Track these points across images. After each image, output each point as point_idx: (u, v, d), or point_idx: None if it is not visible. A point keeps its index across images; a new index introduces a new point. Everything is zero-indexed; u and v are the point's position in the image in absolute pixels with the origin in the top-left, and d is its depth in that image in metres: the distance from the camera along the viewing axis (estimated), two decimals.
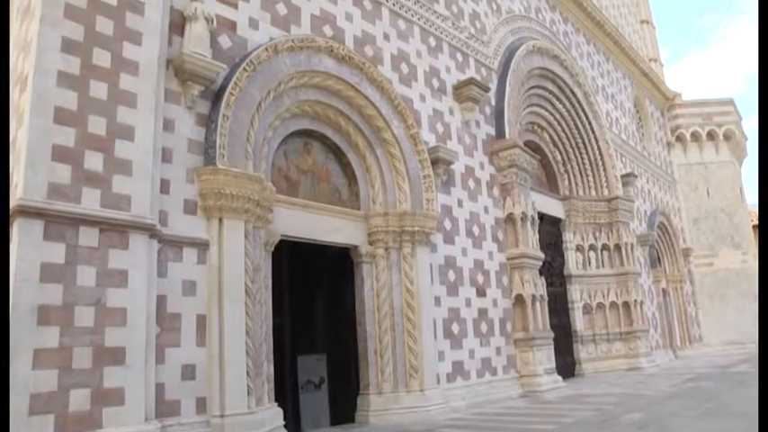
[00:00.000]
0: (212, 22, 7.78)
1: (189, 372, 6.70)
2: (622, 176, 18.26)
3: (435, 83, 12.06)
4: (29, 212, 5.38)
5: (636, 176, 19.71)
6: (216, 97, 7.66)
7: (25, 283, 5.23)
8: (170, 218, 6.90)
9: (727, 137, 26.69)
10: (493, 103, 13.74)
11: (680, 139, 26.61)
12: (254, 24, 8.65)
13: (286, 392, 9.16)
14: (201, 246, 7.13)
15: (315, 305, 10.65)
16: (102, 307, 5.74)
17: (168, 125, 7.10)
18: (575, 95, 17.09)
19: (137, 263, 6.09)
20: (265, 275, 7.98)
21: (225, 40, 8.15)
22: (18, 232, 5.29)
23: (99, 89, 6.22)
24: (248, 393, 7.09)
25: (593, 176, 17.67)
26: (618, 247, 17.11)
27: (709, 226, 25.90)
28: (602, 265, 17.06)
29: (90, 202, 5.87)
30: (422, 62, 11.84)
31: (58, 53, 5.97)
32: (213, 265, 7.15)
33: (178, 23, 7.51)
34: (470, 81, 12.51)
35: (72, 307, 5.52)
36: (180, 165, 7.15)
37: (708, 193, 26.22)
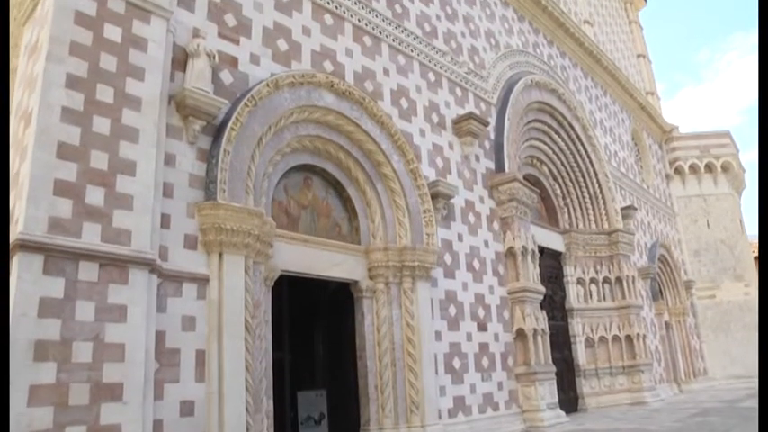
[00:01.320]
0: (214, 57, 7.88)
1: (187, 408, 6.61)
2: (622, 209, 18.29)
3: (435, 117, 12.17)
4: (29, 247, 5.36)
5: (636, 209, 19.74)
6: (217, 132, 7.72)
7: (23, 317, 5.19)
8: (170, 252, 6.89)
9: (725, 169, 26.84)
10: (492, 137, 13.85)
11: (678, 171, 26.75)
12: (255, 60, 8.77)
13: (286, 428, 9.04)
14: (201, 281, 7.11)
15: (315, 340, 10.58)
16: (101, 342, 5.69)
17: (170, 160, 7.15)
18: (573, 129, 17.22)
19: (136, 298, 6.06)
20: (265, 310, 7.93)
21: (226, 76, 8.26)
22: (17, 266, 5.28)
23: (102, 124, 6.27)
24: (247, 430, 6.99)
25: (593, 209, 17.70)
26: (619, 279, 17.04)
27: (711, 258, 25.86)
28: (604, 299, 16.97)
29: (90, 237, 5.87)
30: (421, 97, 11.97)
31: (62, 89, 6.04)
32: (213, 300, 7.11)
33: (180, 59, 7.61)
34: (470, 116, 12.62)
35: (70, 342, 5.47)
36: (181, 199, 7.18)
37: (708, 225, 26.25)
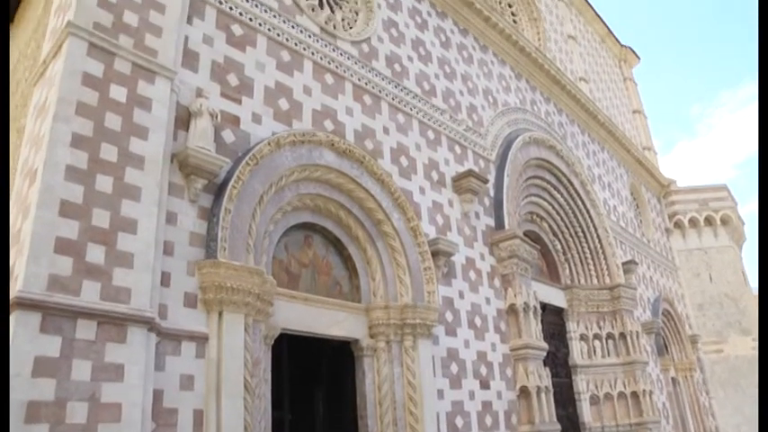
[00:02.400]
0: (217, 117, 8.02)
1: None
2: (623, 264, 18.22)
3: (435, 175, 12.28)
4: (26, 305, 5.33)
5: (637, 263, 19.69)
6: (219, 191, 7.79)
7: (17, 378, 5.10)
8: (169, 311, 6.85)
9: (725, 222, 26.91)
10: (492, 194, 13.94)
11: (678, 225, 26.80)
12: (257, 119, 8.92)
13: None
14: (200, 339, 7.03)
15: (315, 398, 10.39)
16: (96, 402, 5.59)
17: (171, 218, 7.18)
18: (572, 185, 17.35)
19: (134, 357, 5.98)
20: (265, 369, 7.82)
21: (228, 135, 8.38)
22: (14, 325, 5.24)
23: (105, 183, 6.34)
24: None
25: (594, 265, 17.65)
26: (623, 335, 16.82)
27: (715, 312, 25.62)
28: (608, 355, 16.72)
29: (90, 295, 5.84)
30: (421, 155, 12.10)
31: (67, 148, 6.14)
32: (212, 359, 7.02)
33: (184, 119, 7.75)
34: (469, 173, 12.73)
35: (64, 402, 5.37)
36: (181, 258, 7.17)
37: (710, 279, 26.11)
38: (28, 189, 6.23)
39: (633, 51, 30.51)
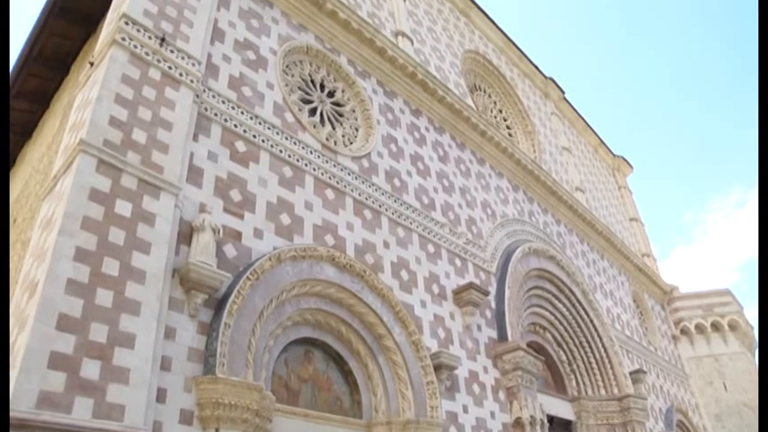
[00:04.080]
0: (219, 232, 8.15)
1: None
2: (631, 373, 17.78)
3: (435, 288, 12.27)
4: (14, 424, 5.14)
5: (645, 372, 19.17)
6: (219, 305, 7.77)
7: None
8: (164, 428, 6.62)
9: (733, 327, 26.42)
10: (493, 305, 13.86)
11: (685, 331, 26.36)
12: (258, 234, 9.05)
13: None
14: None
15: None
16: None
17: (170, 333, 7.12)
18: (573, 294, 17.28)
19: None
20: None
21: (230, 250, 8.48)
22: None
23: (105, 297, 6.35)
24: None
25: (601, 375, 17.22)
26: None
27: (735, 423, 24.51)
28: None
29: (81, 412, 5.66)
30: (421, 268, 12.15)
31: (70, 262, 6.20)
32: None
33: (186, 233, 7.87)
34: (470, 286, 12.72)
35: None
36: (178, 373, 7.04)
37: (725, 387, 25.27)
38: (27, 301, 6.23)
39: (626, 161, 31.42)
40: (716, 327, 26.43)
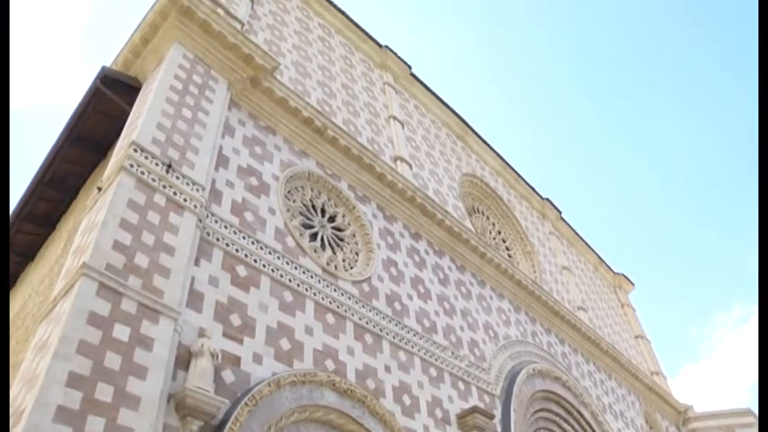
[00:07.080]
0: (217, 357, 7.98)
1: None
2: None
3: (438, 413, 11.86)
4: None
5: None
6: None
7: None
8: None
9: None
10: (499, 429, 13.33)
11: None
12: (257, 359, 8.86)
13: None
14: None
15: None
16: None
17: None
18: (582, 416, 16.66)
19: None
20: None
21: (228, 375, 8.27)
22: None
23: (96, 424, 6.08)
24: None
25: None
26: None
27: None
28: None
29: None
30: (424, 392, 11.80)
31: (61, 387, 6.01)
32: None
33: (184, 358, 7.69)
34: (474, 410, 12.30)
35: None
36: None
37: None
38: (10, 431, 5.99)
39: (627, 278, 31.36)
40: None
